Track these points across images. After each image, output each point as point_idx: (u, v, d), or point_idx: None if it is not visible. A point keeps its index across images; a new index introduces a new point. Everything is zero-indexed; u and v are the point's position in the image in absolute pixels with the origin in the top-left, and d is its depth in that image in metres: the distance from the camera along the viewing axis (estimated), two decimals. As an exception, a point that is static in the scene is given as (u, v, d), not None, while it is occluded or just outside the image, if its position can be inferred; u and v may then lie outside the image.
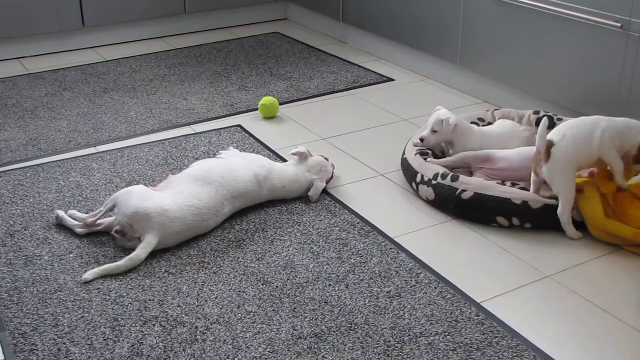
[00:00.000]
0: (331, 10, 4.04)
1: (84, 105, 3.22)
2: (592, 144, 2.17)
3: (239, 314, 1.87)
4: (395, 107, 3.18)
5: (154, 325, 1.84)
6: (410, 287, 1.97)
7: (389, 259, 2.09)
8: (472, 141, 2.49)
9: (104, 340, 1.79)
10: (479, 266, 2.07)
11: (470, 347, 1.75)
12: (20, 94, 3.35)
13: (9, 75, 3.60)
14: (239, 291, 1.96)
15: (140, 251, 2.06)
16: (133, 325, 1.84)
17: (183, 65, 3.72)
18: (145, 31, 4.18)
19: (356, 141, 2.86)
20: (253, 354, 1.73)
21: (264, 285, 1.98)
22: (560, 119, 2.66)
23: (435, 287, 1.97)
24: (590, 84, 2.67)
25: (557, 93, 2.82)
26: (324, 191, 2.47)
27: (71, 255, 2.13)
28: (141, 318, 1.86)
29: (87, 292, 1.97)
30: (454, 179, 2.30)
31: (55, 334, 1.81)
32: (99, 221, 2.22)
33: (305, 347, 1.75)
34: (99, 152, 2.77)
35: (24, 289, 1.98)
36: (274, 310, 1.89)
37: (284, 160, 2.64)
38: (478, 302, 1.91)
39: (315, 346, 1.76)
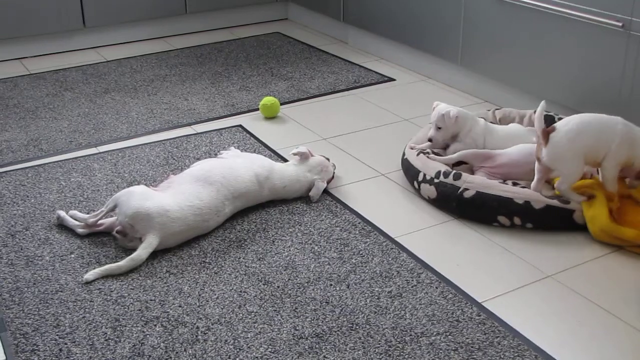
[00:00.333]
0: (332, 10, 4.04)
1: (85, 105, 3.22)
2: (602, 142, 2.16)
3: (240, 314, 1.87)
4: (396, 107, 3.18)
5: (155, 325, 1.84)
6: (412, 287, 1.97)
7: (390, 259, 2.09)
8: (477, 129, 2.49)
9: (106, 340, 1.79)
10: (481, 266, 2.07)
11: (472, 347, 1.75)
12: (22, 95, 3.36)
13: (10, 76, 3.60)
14: (240, 291, 1.96)
15: (142, 251, 2.06)
16: (134, 325, 1.84)
17: (184, 65, 3.72)
18: (146, 31, 4.18)
19: (357, 141, 2.86)
20: (254, 354, 1.73)
21: (265, 286, 1.98)
22: (561, 118, 2.66)
23: (436, 287, 1.97)
24: (592, 84, 2.67)
25: (558, 93, 2.82)
26: (325, 191, 2.47)
27: (72, 256, 2.13)
28: (142, 318, 1.86)
29: (89, 292, 1.97)
30: (457, 177, 2.30)
31: (57, 335, 1.81)
32: (100, 221, 2.22)
33: (306, 347, 1.75)
34: (100, 153, 2.77)
35: (26, 289, 1.98)
36: (275, 310, 1.89)
37: (285, 160, 2.64)
38: (479, 302, 1.91)
39: (317, 346, 1.76)
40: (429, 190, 2.36)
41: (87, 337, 1.80)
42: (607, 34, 2.56)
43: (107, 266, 2.04)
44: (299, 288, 1.97)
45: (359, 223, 2.28)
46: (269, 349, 1.75)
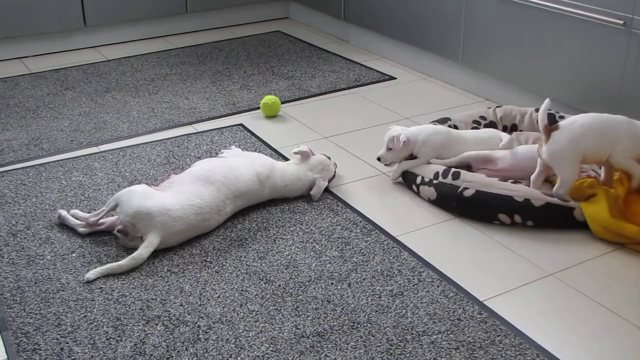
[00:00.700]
0: (333, 8, 4.04)
1: (86, 104, 3.23)
2: (605, 143, 2.17)
3: (242, 313, 1.87)
4: (397, 105, 3.18)
5: (156, 324, 1.84)
6: (413, 285, 1.97)
7: (391, 258, 2.09)
8: (438, 149, 2.45)
9: (107, 339, 1.79)
10: (482, 264, 2.07)
11: (473, 345, 1.75)
12: (22, 94, 3.36)
13: (11, 75, 3.60)
14: (242, 290, 1.96)
15: (143, 250, 2.06)
16: (136, 324, 1.84)
17: (185, 64, 3.72)
18: (147, 30, 4.18)
19: (358, 140, 2.85)
20: (256, 353, 1.73)
21: (267, 284, 1.98)
22: (562, 117, 2.66)
23: (437, 286, 1.97)
24: (593, 82, 2.67)
25: (559, 91, 2.82)
26: (326, 190, 2.47)
27: (74, 255, 2.13)
28: (144, 317, 1.86)
29: (90, 291, 1.97)
30: (455, 176, 2.30)
31: (58, 334, 1.81)
32: (101, 221, 2.22)
33: (307, 346, 1.75)
34: (101, 152, 2.77)
35: (27, 288, 1.98)
36: (276, 309, 1.89)
37: (286, 159, 2.64)
38: (481, 300, 1.91)
39: (318, 345, 1.76)
40: (429, 192, 2.36)
41: (88, 336, 1.80)
42: (608, 31, 2.56)
43: (108, 265, 2.04)
44: (300, 287, 1.97)
45: (360, 222, 2.28)
46: (270, 348, 1.75)
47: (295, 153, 2.46)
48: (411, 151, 2.47)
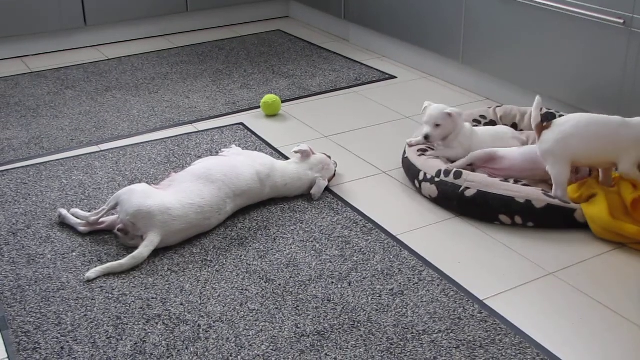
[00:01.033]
0: (333, 8, 4.04)
1: (87, 103, 3.23)
2: (600, 145, 2.16)
3: (242, 312, 1.87)
4: (397, 104, 3.18)
5: (157, 323, 1.84)
6: (413, 284, 1.97)
7: (391, 257, 2.09)
8: (465, 132, 2.49)
9: (107, 338, 1.79)
10: (482, 264, 2.07)
11: (474, 344, 1.75)
12: (23, 93, 3.36)
13: (12, 74, 3.60)
14: (242, 289, 1.96)
15: (143, 249, 2.06)
16: (136, 323, 1.84)
17: (185, 63, 3.72)
18: (147, 29, 4.18)
19: (358, 139, 2.85)
20: (256, 352, 1.73)
21: (267, 283, 1.98)
22: (562, 116, 2.66)
23: (438, 285, 1.97)
24: (593, 81, 2.67)
25: (559, 90, 2.82)
26: (327, 189, 2.47)
27: (74, 254, 2.13)
28: (144, 316, 1.86)
29: (90, 290, 1.97)
30: (457, 176, 2.29)
31: (59, 333, 1.81)
32: (101, 220, 2.22)
33: (308, 344, 1.75)
34: (101, 151, 2.77)
35: (27, 287, 1.98)
36: (276, 308, 1.89)
37: (287, 158, 2.64)
38: (481, 299, 1.91)
39: (318, 344, 1.76)
40: (430, 189, 2.36)
41: (88, 335, 1.80)
42: (608, 31, 2.56)
43: (108, 264, 2.04)
44: (301, 286, 1.97)
45: (361, 221, 2.28)
46: (271, 347, 1.75)
47: (296, 152, 2.46)
48: (454, 129, 2.47)
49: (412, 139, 2.56)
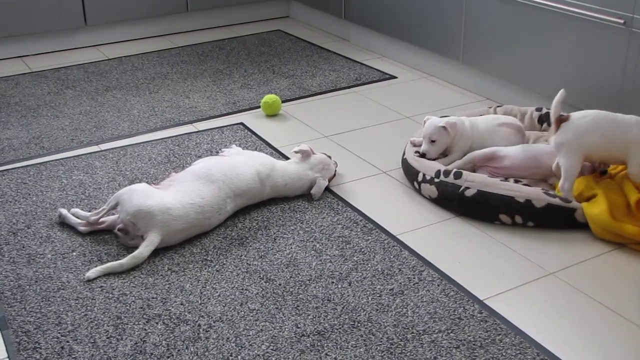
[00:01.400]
0: (333, 8, 4.04)
1: (87, 103, 3.23)
2: (612, 144, 2.16)
3: (242, 312, 1.87)
4: (397, 104, 3.18)
5: (157, 323, 1.84)
6: (413, 284, 1.97)
7: (391, 257, 2.09)
8: (466, 134, 2.48)
9: (107, 338, 1.79)
10: (482, 264, 2.07)
11: (474, 344, 1.75)
12: (23, 93, 3.36)
13: (12, 74, 3.60)
14: (242, 289, 1.96)
15: (143, 249, 2.06)
16: (136, 323, 1.84)
17: (185, 63, 3.72)
18: (148, 29, 4.18)
19: (359, 139, 2.85)
20: (256, 351, 1.73)
21: (267, 283, 1.98)
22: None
23: (438, 285, 1.97)
24: (593, 81, 2.67)
25: (559, 90, 2.81)
26: (327, 189, 2.47)
27: (74, 254, 2.13)
28: (144, 316, 1.86)
29: (90, 290, 1.97)
30: (457, 176, 2.29)
31: (59, 332, 1.81)
32: (101, 219, 2.22)
33: (308, 344, 1.75)
34: (101, 151, 2.77)
35: (27, 287, 1.98)
36: (277, 308, 1.89)
37: (287, 158, 2.64)
38: (481, 299, 1.91)
39: (319, 344, 1.76)
40: (430, 190, 2.36)
41: (89, 334, 1.80)
42: (608, 31, 2.56)
43: (108, 264, 2.04)
44: (301, 286, 1.97)
45: (361, 221, 2.28)
46: (271, 347, 1.75)
47: (296, 152, 2.46)
48: (453, 137, 2.47)
49: (415, 138, 2.56)
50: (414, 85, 3.40)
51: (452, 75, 3.39)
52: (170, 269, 2.06)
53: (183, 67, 3.66)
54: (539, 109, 2.71)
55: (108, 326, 1.83)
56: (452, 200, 2.29)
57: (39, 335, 1.80)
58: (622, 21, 2.49)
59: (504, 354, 1.71)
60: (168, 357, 1.72)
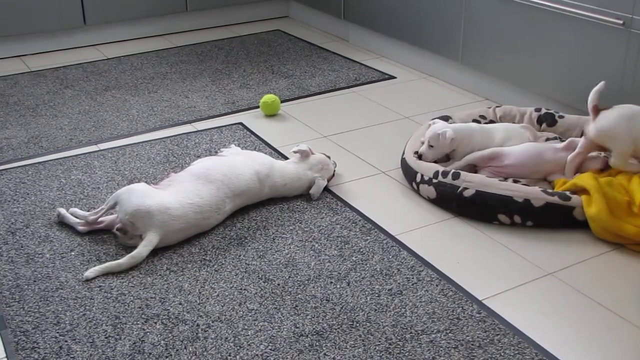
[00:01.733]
0: (333, 8, 4.04)
1: (86, 103, 3.22)
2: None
3: (241, 312, 1.87)
4: (396, 104, 3.18)
5: (155, 323, 1.84)
6: (412, 284, 1.97)
7: (390, 257, 2.09)
8: (473, 144, 2.47)
9: (106, 338, 1.79)
10: (481, 264, 2.07)
11: (472, 344, 1.75)
12: (22, 92, 3.35)
13: (11, 73, 3.60)
14: (241, 289, 1.96)
15: (142, 249, 2.06)
16: (135, 323, 1.84)
17: (184, 63, 3.72)
18: (147, 29, 4.18)
19: (358, 139, 2.85)
20: (254, 351, 1.73)
21: (266, 283, 1.98)
22: (562, 116, 2.66)
23: (436, 285, 1.97)
24: (592, 82, 2.66)
25: (558, 90, 2.82)
26: (326, 189, 2.47)
27: (73, 253, 2.13)
28: (143, 316, 1.86)
29: (89, 290, 1.97)
30: (455, 176, 2.29)
31: (57, 332, 1.81)
32: (100, 219, 2.22)
33: (306, 344, 1.75)
34: (100, 150, 2.77)
35: (26, 286, 1.98)
36: (275, 308, 1.89)
37: (286, 158, 2.64)
38: (480, 299, 1.91)
39: (317, 344, 1.76)
40: (428, 191, 2.36)
41: (87, 334, 1.80)
42: (607, 31, 2.56)
43: (107, 264, 2.04)
44: (299, 286, 1.97)
45: (360, 221, 2.28)
46: (269, 347, 1.75)
47: (295, 152, 2.46)
48: (454, 148, 2.46)
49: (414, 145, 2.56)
50: (413, 85, 3.40)
51: (451, 75, 3.39)
52: (168, 268, 2.06)
53: (182, 66, 3.66)
54: (538, 109, 2.71)
55: (106, 326, 1.83)
56: (451, 200, 2.30)
57: (37, 335, 1.80)
58: (621, 22, 2.49)
59: (502, 354, 1.71)
60: (166, 357, 1.72)
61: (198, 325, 1.83)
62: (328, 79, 3.47)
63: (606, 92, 2.62)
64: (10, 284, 1.99)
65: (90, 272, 2.01)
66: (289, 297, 1.93)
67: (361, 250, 2.13)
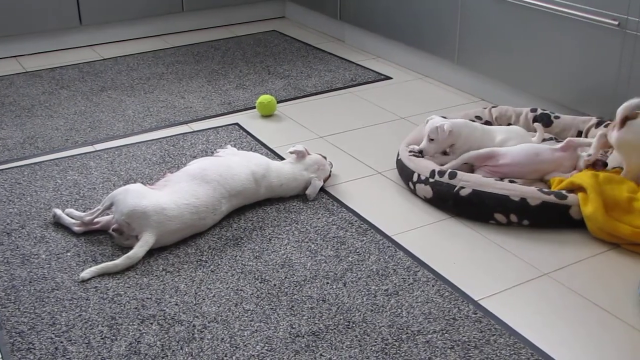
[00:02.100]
0: (329, 8, 4.04)
1: (82, 103, 3.22)
2: None
3: (237, 313, 1.87)
4: (392, 105, 3.18)
5: (151, 323, 1.84)
6: (408, 285, 1.97)
7: (386, 257, 2.09)
8: (472, 140, 2.48)
9: (102, 339, 1.79)
10: (477, 264, 2.07)
11: (468, 345, 1.75)
12: (18, 92, 3.35)
13: (6, 74, 3.60)
14: (237, 289, 1.96)
15: (138, 250, 2.06)
16: (131, 323, 1.84)
17: (181, 63, 3.72)
18: (143, 29, 4.17)
19: (354, 139, 2.86)
20: (251, 352, 1.73)
21: (262, 284, 1.98)
22: (557, 117, 2.67)
23: (433, 285, 1.97)
24: (588, 82, 2.67)
25: (554, 91, 2.83)
26: (322, 189, 2.47)
27: (68, 254, 2.13)
28: (139, 317, 1.86)
29: (85, 290, 1.96)
30: (452, 176, 2.30)
31: (53, 333, 1.80)
32: (96, 220, 2.21)
33: (303, 345, 1.75)
34: (96, 151, 2.77)
35: (21, 287, 1.98)
36: (271, 308, 1.89)
37: (282, 158, 2.64)
38: (476, 300, 1.92)
39: (313, 344, 1.76)
40: (425, 190, 2.36)
41: (83, 335, 1.80)
42: (603, 32, 2.56)
43: (103, 264, 2.04)
44: (296, 286, 1.97)
45: (356, 221, 2.28)
46: (266, 347, 1.75)
47: (291, 152, 2.46)
48: (454, 142, 2.46)
49: (410, 144, 2.56)
50: (409, 85, 3.41)
51: (447, 75, 3.39)
52: (164, 269, 2.05)
53: (178, 67, 3.66)
54: (533, 110, 2.72)
55: (102, 327, 1.83)
56: (447, 200, 2.30)
57: (33, 336, 1.79)
58: (616, 22, 2.49)
59: (498, 354, 1.72)
60: (162, 358, 1.72)
61: (194, 325, 1.83)
62: (324, 80, 3.47)
63: (601, 93, 2.63)
64: (5, 285, 1.99)
65: (86, 273, 2.01)
66: (285, 297, 1.93)
67: (357, 250, 2.13)
